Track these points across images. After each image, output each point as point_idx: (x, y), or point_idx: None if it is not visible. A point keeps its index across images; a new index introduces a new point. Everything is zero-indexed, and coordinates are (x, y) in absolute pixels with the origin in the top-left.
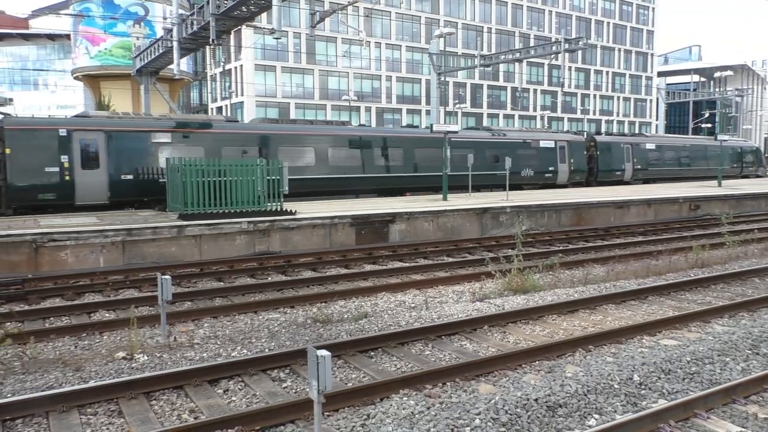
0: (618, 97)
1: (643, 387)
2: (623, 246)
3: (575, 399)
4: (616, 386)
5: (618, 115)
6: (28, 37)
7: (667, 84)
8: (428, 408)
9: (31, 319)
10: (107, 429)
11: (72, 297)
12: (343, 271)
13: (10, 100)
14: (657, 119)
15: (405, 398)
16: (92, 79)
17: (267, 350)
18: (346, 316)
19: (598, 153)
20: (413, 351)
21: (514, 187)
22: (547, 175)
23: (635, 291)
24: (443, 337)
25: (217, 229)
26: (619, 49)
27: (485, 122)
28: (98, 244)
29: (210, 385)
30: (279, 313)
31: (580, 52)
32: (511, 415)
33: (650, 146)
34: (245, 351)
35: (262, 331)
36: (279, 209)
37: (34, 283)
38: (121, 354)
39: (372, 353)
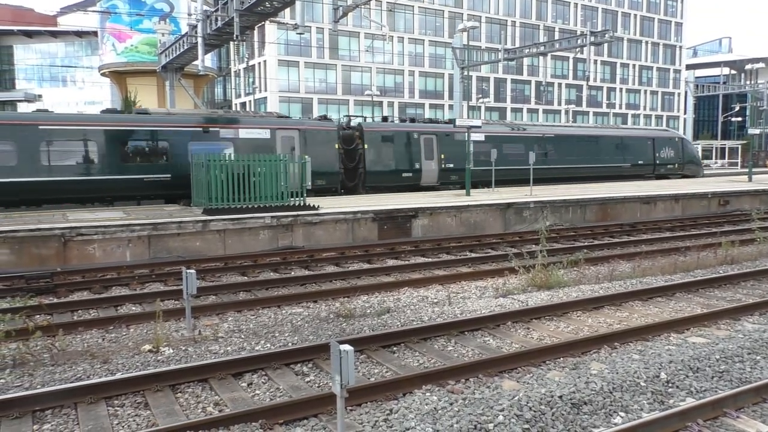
0: (645, 91)
1: (670, 385)
2: (650, 242)
3: (600, 396)
4: (642, 384)
5: (645, 109)
6: (56, 35)
7: (696, 77)
8: (451, 404)
9: (59, 312)
10: (134, 421)
11: (99, 290)
12: (366, 266)
13: (40, 96)
14: (685, 113)
15: (428, 393)
16: (119, 76)
17: (290, 344)
18: (368, 311)
19: (366, 147)
20: (436, 346)
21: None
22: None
23: (662, 288)
24: (466, 332)
25: (241, 224)
26: (647, 42)
27: (509, 117)
28: (125, 238)
29: (234, 379)
30: (302, 307)
31: (606, 45)
32: (534, 411)
33: (475, 137)
34: (269, 345)
35: (285, 325)
36: (302, 204)
37: (62, 276)
38: (148, 347)
39: (395, 348)
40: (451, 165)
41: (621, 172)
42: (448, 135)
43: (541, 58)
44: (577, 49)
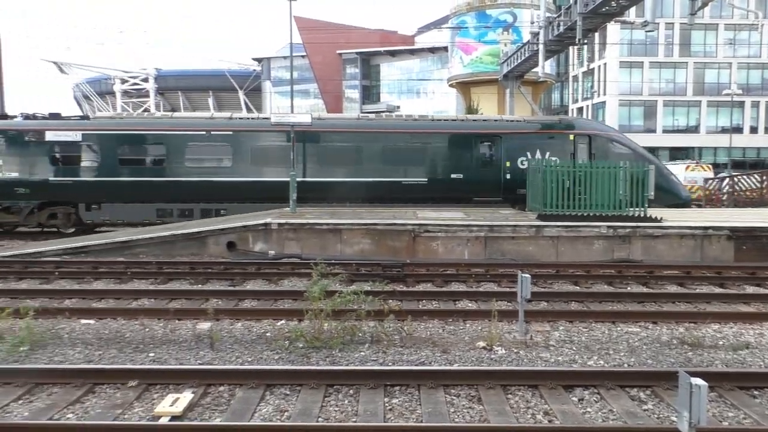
0: None
1: None
2: None
3: None
4: None
5: None
6: (414, 52)
7: None
8: None
9: (407, 299)
10: (467, 412)
11: (440, 284)
12: (717, 290)
13: (398, 107)
14: None
15: None
16: (464, 86)
17: (626, 365)
18: (720, 342)
19: None
20: None
21: None
22: None
23: None
24: None
25: (575, 232)
26: None
27: None
28: (464, 237)
29: (564, 391)
30: (639, 327)
31: None
32: None
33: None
34: (602, 362)
35: (620, 343)
36: (642, 215)
37: (410, 267)
38: (482, 344)
39: (756, 392)
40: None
41: (389, 193)
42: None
43: None
44: None
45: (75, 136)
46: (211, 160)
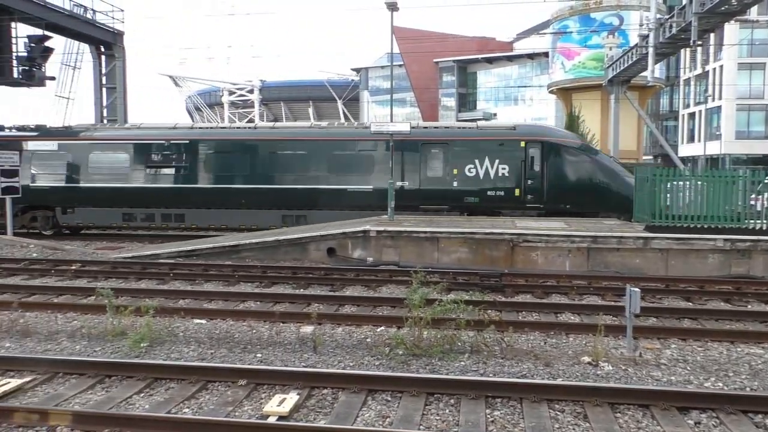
0: None
1: None
2: None
3: None
4: None
5: None
6: (512, 59)
7: None
8: None
9: (507, 310)
10: (573, 429)
11: (541, 295)
12: None
13: (494, 114)
14: None
15: None
16: (564, 92)
17: (748, 389)
18: None
19: None
20: None
21: None
22: None
23: None
24: None
25: (687, 245)
26: None
27: None
28: (565, 248)
29: (679, 413)
30: (763, 348)
31: None
32: None
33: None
34: (720, 384)
35: (741, 365)
36: (765, 228)
37: (509, 278)
38: (587, 359)
39: None
40: None
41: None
42: None
43: None
44: None
45: (52, 145)
46: (171, 168)
